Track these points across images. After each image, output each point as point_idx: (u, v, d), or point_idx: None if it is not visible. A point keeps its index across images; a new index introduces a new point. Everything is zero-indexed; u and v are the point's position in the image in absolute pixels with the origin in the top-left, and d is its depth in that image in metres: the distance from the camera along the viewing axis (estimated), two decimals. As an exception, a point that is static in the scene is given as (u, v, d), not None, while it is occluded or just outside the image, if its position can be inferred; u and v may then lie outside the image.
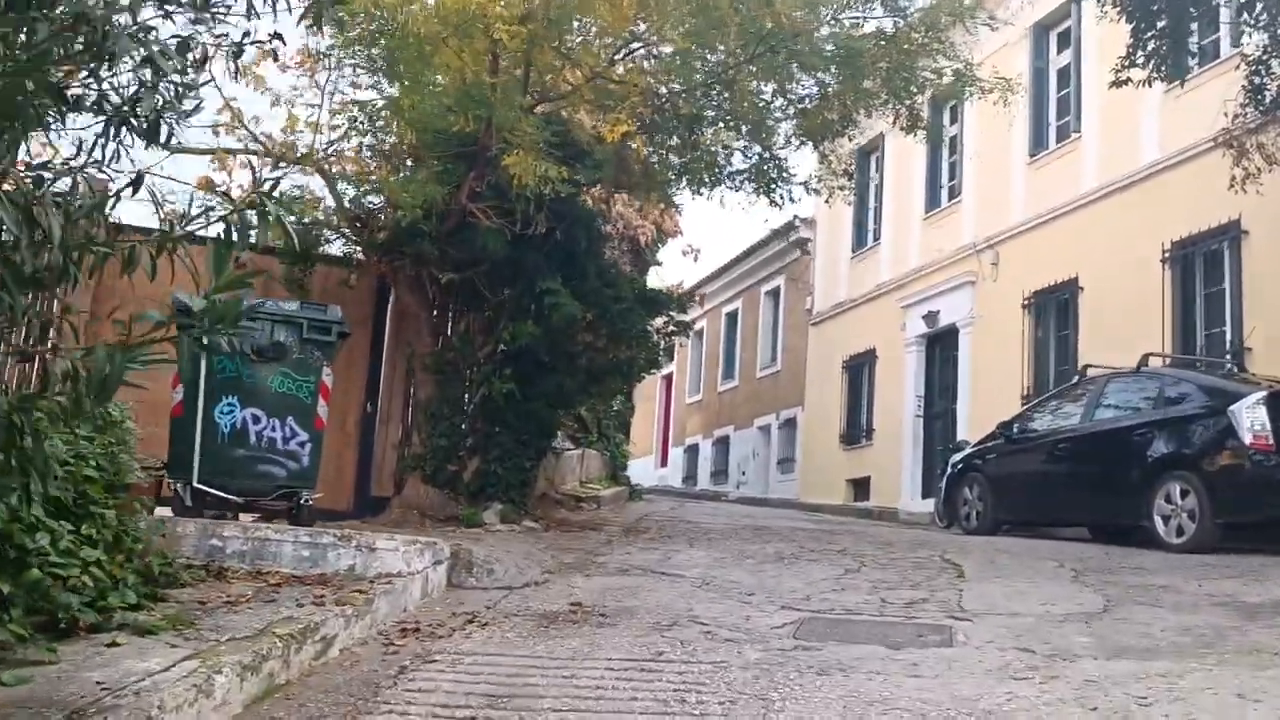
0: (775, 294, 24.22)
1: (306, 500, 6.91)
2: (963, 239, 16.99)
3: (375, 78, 8.49)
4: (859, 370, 19.96)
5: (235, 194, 11.51)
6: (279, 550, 5.89)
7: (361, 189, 10.06)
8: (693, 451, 27.95)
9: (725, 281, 26.26)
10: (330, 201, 10.39)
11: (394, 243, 10.11)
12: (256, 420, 6.81)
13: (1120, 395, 10.17)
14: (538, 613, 5.89)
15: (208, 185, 12.70)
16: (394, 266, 10.22)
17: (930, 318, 17.51)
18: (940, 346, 17.81)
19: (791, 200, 10.20)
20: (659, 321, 12.12)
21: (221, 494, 6.77)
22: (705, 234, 48.83)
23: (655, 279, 17.59)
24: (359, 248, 10.64)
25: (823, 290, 21.63)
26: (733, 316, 26.69)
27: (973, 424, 15.82)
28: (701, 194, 10.59)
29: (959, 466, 11.99)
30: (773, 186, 10.03)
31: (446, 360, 10.40)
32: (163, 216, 3.54)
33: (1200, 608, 6.11)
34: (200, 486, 6.71)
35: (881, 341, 19.04)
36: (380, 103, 8.16)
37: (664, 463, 30.21)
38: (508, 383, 10.19)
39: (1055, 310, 14.99)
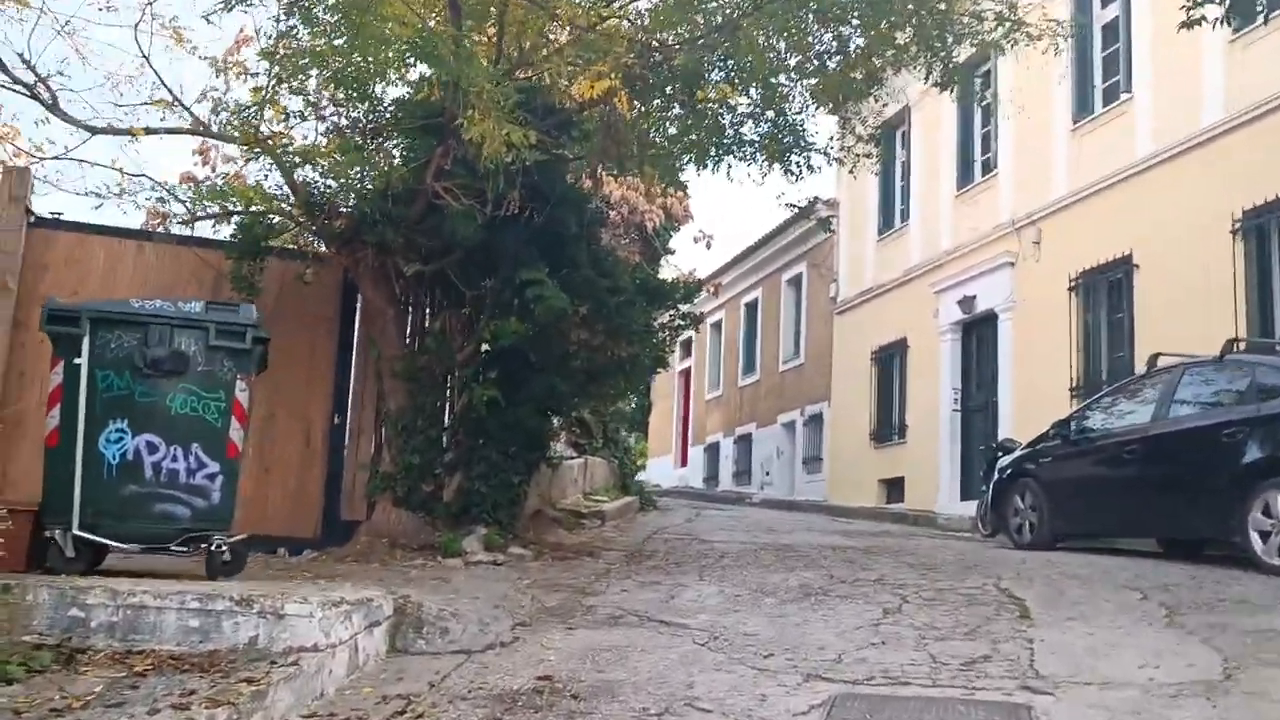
0: (797, 281, 22.79)
1: (220, 546, 5.59)
2: (1000, 216, 15.53)
3: (298, 24, 7.08)
4: (889, 361, 18.52)
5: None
6: (159, 621, 4.58)
7: (318, 169, 8.73)
8: (713, 450, 26.57)
9: (743, 270, 24.85)
10: (283, 187, 9.10)
11: (354, 231, 8.81)
12: (153, 449, 5.51)
13: (1200, 388, 8.72)
14: (493, 694, 4.57)
15: (190, 180, 11.46)
16: (356, 258, 8.92)
17: (966, 303, 16.06)
18: (978, 334, 16.36)
19: (810, 169, 8.82)
20: (665, 315, 10.79)
21: (109, 542, 5.47)
22: (719, 220, 47.04)
23: (667, 269, 16.34)
24: (319, 238, 9.34)
25: (848, 276, 20.19)
26: (752, 307, 25.27)
27: (1016, 418, 14.42)
28: (706, 166, 9.22)
29: (1008, 471, 10.56)
30: (788, 155, 8.64)
31: (419, 365, 9.10)
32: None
33: (1354, 671, 4.72)
34: (82, 534, 5.41)
35: (913, 330, 17.60)
36: (304, 57, 6.80)
37: (684, 462, 28.84)
38: (490, 388, 8.89)
39: (1107, 291, 13.52)
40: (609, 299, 9.48)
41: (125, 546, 5.54)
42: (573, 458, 13.20)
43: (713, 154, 9.27)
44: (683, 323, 10.71)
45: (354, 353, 9.69)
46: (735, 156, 9.14)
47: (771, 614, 6.24)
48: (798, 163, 8.63)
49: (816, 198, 20.84)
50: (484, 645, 5.47)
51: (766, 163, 9.12)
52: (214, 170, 11.48)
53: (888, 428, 18.30)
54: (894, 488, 17.87)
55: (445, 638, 5.46)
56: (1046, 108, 14.42)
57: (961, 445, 16.30)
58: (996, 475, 10.75)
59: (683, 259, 50.43)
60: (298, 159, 8.04)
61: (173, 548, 5.64)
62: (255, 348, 5.83)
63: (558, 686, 4.64)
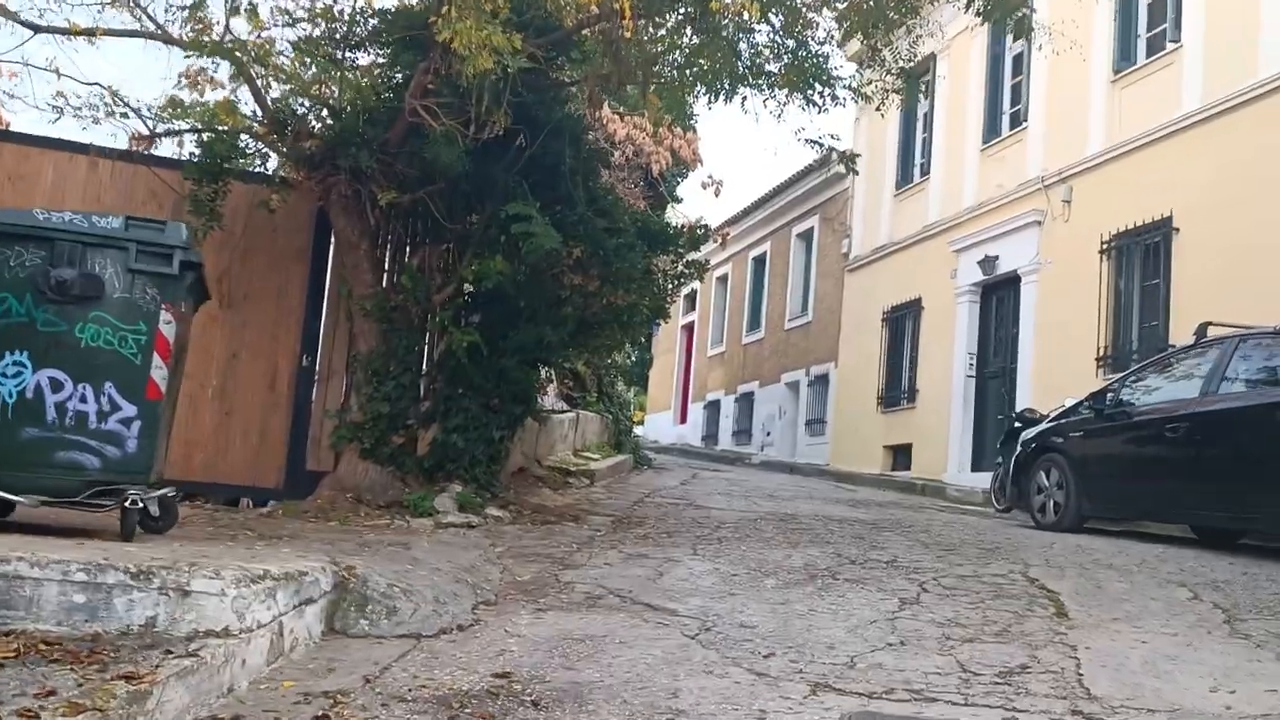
0: (807, 236, 21.89)
1: (135, 501, 4.80)
2: (1028, 172, 14.62)
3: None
4: (901, 323, 17.68)
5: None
6: (37, 595, 3.79)
7: (284, 82, 7.87)
8: (714, 408, 25.78)
9: (752, 223, 23.92)
10: (252, 104, 8.25)
11: (326, 154, 7.95)
12: (57, 387, 4.69)
13: (1257, 363, 7.87)
14: (437, 694, 3.79)
15: (174, 105, 10.54)
16: (327, 184, 8.06)
17: (987, 263, 15.18)
18: (998, 297, 15.50)
19: (835, 100, 7.91)
20: (668, 262, 9.94)
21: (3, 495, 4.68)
22: (729, 170, 45.47)
23: (674, 217, 15.42)
24: (288, 162, 8.50)
25: (862, 232, 19.31)
26: (760, 261, 24.37)
27: (1035, 387, 13.62)
28: (719, 97, 8.32)
29: (1032, 445, 9.74)
30: (810, 84, 7.74)
31: (393, 304, 8.28)
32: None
33: None
34: (-30, 484, 4.62)
35: (928, 290, 16.74)
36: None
37: (683, 419, 28.08)
38: (471, 334, 8.11)
39: (1141, 256, 12.65)
40: (606, 241, 8.64)
41: (22, 499, 4.74)
42: (563, 411, 12.40)
43: (726, 85, 8.36)
44: (687, 271, 9.85)
45: (326, 290, 8.91)
46: (750, 87, 8.24)
47: (772, 600, 5.47)
48: (821, 92, 7.73)
49: (833, 149, 19.88)
50: (437, 629, 4.70)
51: (786, 94, 8.22)
52: (202, 96, 10.60)
53: (897, 392, 17.50)
54: (901, 454, 17.11)
55: (392, 619, 4.68)
56: (1084, 58, 13.47)
57: (975, 413, 15.52)
58: (1019, 449, 9.95)
59: (690, 207, 48.91)
60: (253, 62, 7.16)
61: (81, 502, 4.83)
62: (185, 274, 4.99)
63: (515, 688, 3.87)
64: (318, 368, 8.80)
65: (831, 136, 8.35)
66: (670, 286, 10.05)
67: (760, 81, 8.33)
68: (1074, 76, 13.72)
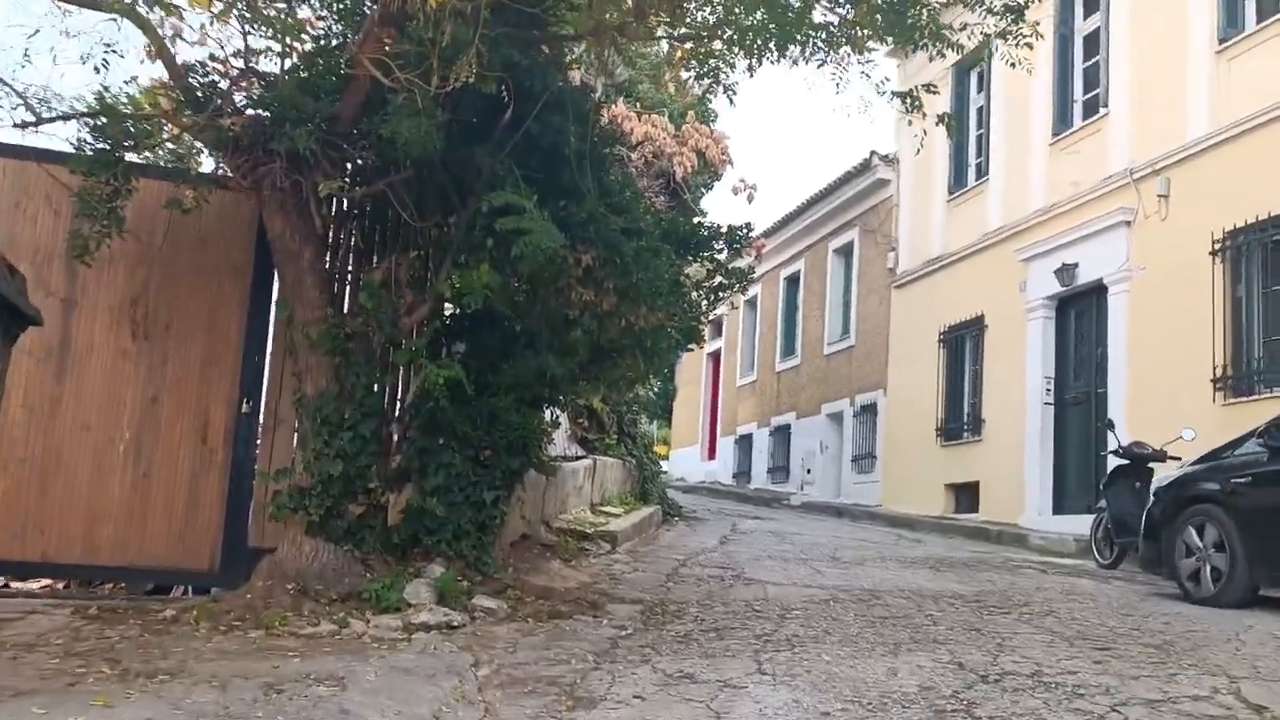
0: (846, 251, 19.85)
1: None
2: (1111, 166, 12.60)
3: None
4: (960, 344, 15.60)
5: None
6: None
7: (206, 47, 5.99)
8: (745, 443, 23.66)
9: (783, 239, 21.87)
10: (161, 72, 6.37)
11: (257, 135, 6.05)
12: None
13: None
14: None
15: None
16: (259, 176, 6.14)
17: (1065, 273, 13.13)
18: (1078, 311, 13.42)
19: (920, 45, 5.91)
20: (698, 270, 8.01)
21: None
22: (760, 178, 43.09)
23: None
24: (209, 150, 6.61)
25: (910, 244, 17.27)
26: (793, 280, 22.33)
27: (1132, 415, 11.54)
28: (766, 58, 6.37)
29: (1172, 493, 7.69)
30: (906, 26, 5.75)
31: (349, 331, 6.35)
32: None
33: None
34: None
35: (993, 306, 14.67)
36: None
37: (712, 454, 25.96)
38: (451, 368, 6.20)
39: (1265, 256, 10.60)
40: (624, 244, 6.69)
41: None
42: (577, 458, 10.41)
43: (773, 42, 6.38)
44: (727, 282, 7.89)
45: (273, 316, 7.01)
46: (801, 39, 6.25)
47: (899, 775, 3.46)
48: (922, 30, 5.73)
49: (874, 152, 18.03)
50: None
51: (850, 50, 6.26)
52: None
53: (959, 422, 15.40)
54: (965, 494, 15.00)
55: None
56: (1179, 28, 11.54)
57: (1054, 445, 13.42)
58: (1153, 498, 7.89)
59: (718, 218, 46.75)
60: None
61: None
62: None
63: None
64: (262, 416, 6.89)
65: (928, 88, 6.31)
66: (706, 301, 8.11)
67: (816, 35, 6.37)
68: (1165, 51, 11.78)
